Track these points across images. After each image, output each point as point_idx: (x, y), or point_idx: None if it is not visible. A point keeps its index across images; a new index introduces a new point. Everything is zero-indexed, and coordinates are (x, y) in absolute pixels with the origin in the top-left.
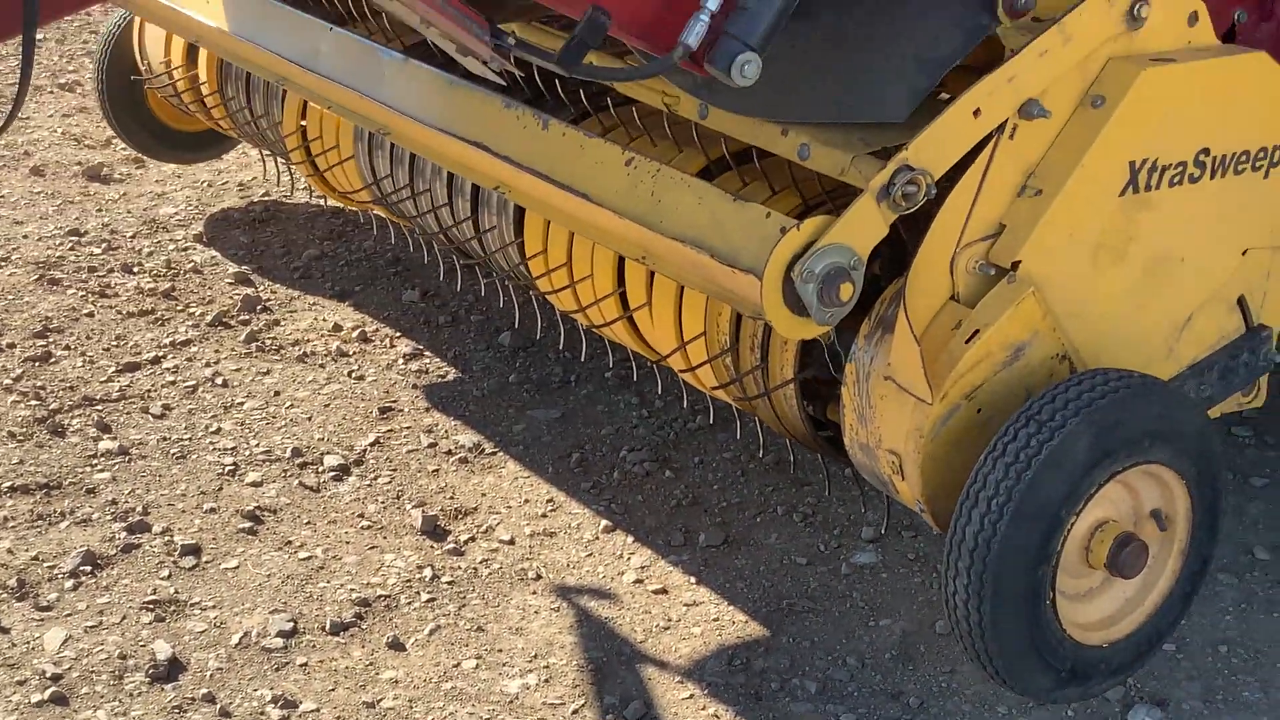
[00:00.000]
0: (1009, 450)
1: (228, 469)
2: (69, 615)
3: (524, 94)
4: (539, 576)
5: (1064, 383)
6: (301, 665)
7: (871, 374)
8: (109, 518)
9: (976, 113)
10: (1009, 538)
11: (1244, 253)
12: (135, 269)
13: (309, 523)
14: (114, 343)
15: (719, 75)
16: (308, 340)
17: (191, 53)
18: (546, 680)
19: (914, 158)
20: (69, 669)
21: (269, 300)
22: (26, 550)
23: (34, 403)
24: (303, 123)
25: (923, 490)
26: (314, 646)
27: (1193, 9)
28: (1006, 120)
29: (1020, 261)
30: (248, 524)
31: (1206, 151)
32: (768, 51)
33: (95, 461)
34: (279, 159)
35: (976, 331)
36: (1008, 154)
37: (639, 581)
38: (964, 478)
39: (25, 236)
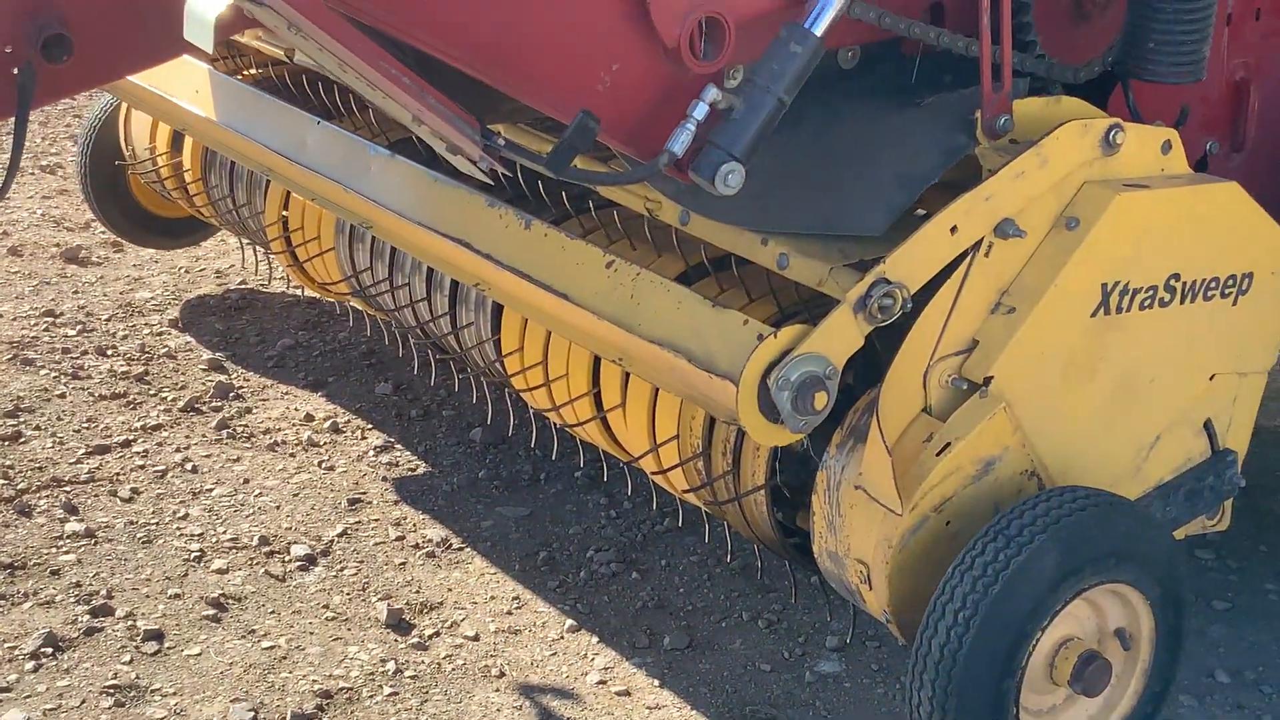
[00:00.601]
0: (976, 564)
1: (194, 555)
2: (28, 697)
3: (506, 193)
4: (502, 674)
5: (1032, 499)
6: None
7: (842, 483)
8: (72, 600)
9: (953, 230)
10: (974, 651)
11: (1211, 377)
12: (109, 352)
13: (273, 612)
14: (85, 425)
15: (702, 183)
16: (279, 429)
17: (176, 140)
18: None
19: (891, 271)
20: None
21: (242, 388)
22: None
23: (1, 482)
24: (285, 213)
25: (889, 600)
26: None
27: (1166, 138)
28: (982, 238)
29: (992, 377)
30: (212, 611)
31: (1177, 277)
32: (751, 162)
33: (61, 543)
34: (258, 248)
35: (948, 445)
36: (982, 271)
37: (602, 683)
38: (931, 589)
39: (0, 316)
